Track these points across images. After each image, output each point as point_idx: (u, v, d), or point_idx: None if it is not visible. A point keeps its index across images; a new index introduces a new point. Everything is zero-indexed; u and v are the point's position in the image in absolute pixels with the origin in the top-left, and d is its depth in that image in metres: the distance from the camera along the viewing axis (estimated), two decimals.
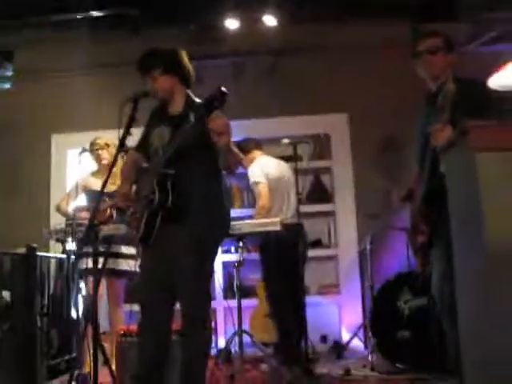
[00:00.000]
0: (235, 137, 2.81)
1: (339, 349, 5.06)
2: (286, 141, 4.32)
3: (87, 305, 3.81)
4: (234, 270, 3.92)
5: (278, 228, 3.79)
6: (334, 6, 5.28)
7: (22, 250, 3.83)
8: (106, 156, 4.27)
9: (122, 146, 2.77)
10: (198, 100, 2.88)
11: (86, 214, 4.03)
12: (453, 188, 2.25)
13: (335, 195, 5.79)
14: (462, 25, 5.22)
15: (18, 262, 3.84)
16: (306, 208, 5.23)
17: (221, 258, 5.37)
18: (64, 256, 4.12)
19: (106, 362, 3.17)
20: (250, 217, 4.48)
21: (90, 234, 3.10)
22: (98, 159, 4.32)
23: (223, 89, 2.46)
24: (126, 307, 4.05)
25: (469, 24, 5.33)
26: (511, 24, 5.14)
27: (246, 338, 3.99)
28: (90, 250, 3.35)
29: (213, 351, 3.96)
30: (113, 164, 2.80)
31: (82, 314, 3.93)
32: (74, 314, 4.13)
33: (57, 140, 5.90)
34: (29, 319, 3.72)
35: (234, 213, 3.26)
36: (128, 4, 5.23)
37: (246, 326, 4.28)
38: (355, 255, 5.54)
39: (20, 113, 5.82)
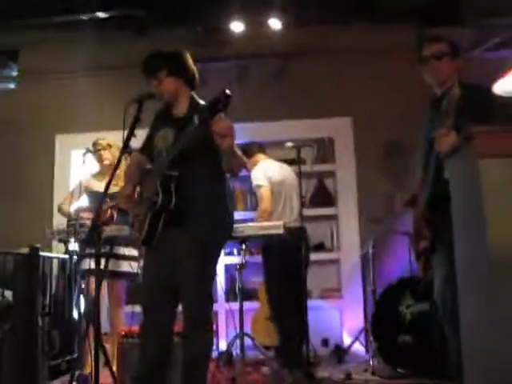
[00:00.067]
0: (239, 139, 2.82)
1: (340, 353, 5.04)
2: (289, 144, 4.32)
3: (89, 305, 3.81)
4: (236, 272, 3.93)
5: (280, 231, 3.79)
6: (340, 9, 5.27)
7: (25, 250, 3.83)
8: (108, 156, 4.28)
9: (126, 147, 2.77)
10: (202, 102, 2.88)
11: (87, 215, 4.04)
12: (456, 193, 2.24)
13: (338, 199, 5.78)
14: (466, 30, 5.20)
15: (21, 262, 3.84)
16: (309, 211, 5.21)
17: (223, 261, 5.34)
18: (66, 256, 4.14)
19: (108, 363, 3.17)
20: (252, 220, 4.49)
21: (92, 235, 3.10)
22: (100, 159, 4.32)
23: (227, 91, 2.45)
24: (128, 308, 4.05)
25: (473, 30, 5.31)
26: None
27: (248, 341, 3.99)
28: (92, 250, 3.34)
29: (214, 354, 3.95)
30: (116, 165, 2.79)
31: (84, 314, 3.93)
32: (75, 314, 4.14)
33: (61, 140, 5.90)
34: (30, 319, 3.72)
35: (237, 215, 3.25)
36: (134, 5, 5.23)
37: (247, 329, 4.28)
38: (357, 259, 5.52)
39: (24, 113, 5.82)
